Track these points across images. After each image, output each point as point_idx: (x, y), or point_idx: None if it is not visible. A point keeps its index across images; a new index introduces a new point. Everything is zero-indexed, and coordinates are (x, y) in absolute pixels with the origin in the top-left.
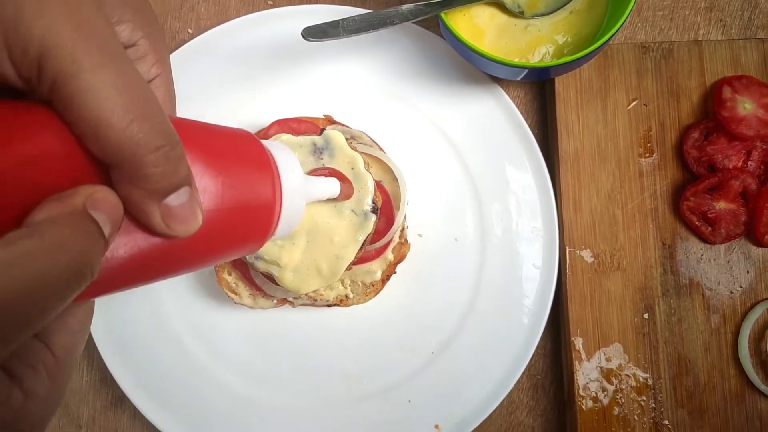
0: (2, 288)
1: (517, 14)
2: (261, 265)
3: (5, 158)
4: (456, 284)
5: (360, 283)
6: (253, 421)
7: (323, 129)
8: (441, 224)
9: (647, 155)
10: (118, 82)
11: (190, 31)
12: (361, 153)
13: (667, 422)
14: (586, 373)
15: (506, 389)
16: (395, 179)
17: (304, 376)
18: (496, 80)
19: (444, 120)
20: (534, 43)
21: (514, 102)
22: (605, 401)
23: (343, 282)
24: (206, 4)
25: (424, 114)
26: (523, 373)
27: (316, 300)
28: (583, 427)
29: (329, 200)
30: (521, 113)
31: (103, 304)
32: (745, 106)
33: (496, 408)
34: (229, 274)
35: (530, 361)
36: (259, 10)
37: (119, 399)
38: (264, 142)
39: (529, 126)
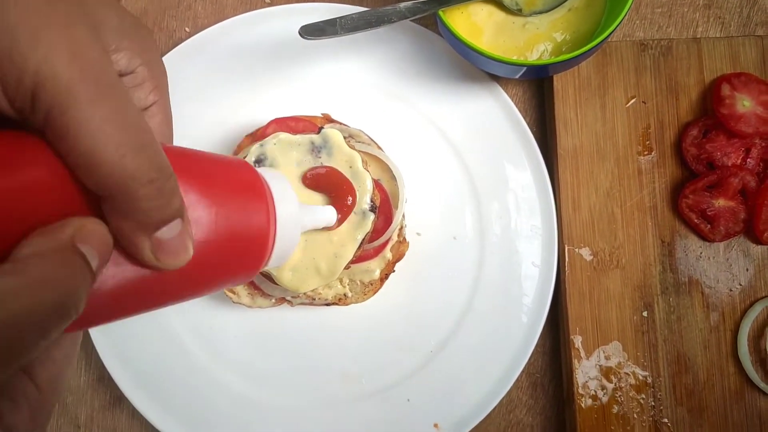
0: None
1: (516, 12)
2: None
3: None
4: (455, 283)
5: (358, 282)
6: (252, 420)
7: (321, 127)
8: (440, 223)
9: (646, 153)
10: (113, 115)
11: (187, 29)
12: (359, 151)
13: (666, 420)
14: (586, 372)
15: (505, 388)
16: (394, 178)
17: (303, 376)
18: (495, 78)
19: (442, 118)
20: (532, 40)
21: (512, 100)
22: (604, 399)
23: (341, 281)
24: (203, 2)
25: (422, 112)
26: (523, 371)
27: (314, 299)
28: (582, 426)
29: (325, 228)
30: (520, 111)
31: None
32: (744, 104)
33: (496, 406)
34: None
35: (529, 359)
36: (256, 9)
37: (117, 398)
38: (260, 170)
39: (528, 124)
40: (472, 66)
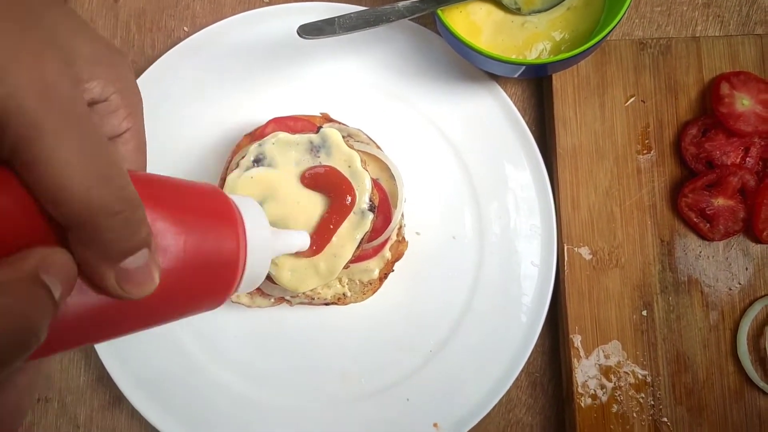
0: None
1: (514, 11)
2: None
3: None
4: (454, 282)
5: (357, 281)
6: (252, 420)
7: (320, 127)
8: (439, 222)
9: (645, 152)
10: (80, 147)
11: (185, 29)
12: (358, 151)
13: (665, 419)
14: (585, 371)
15: (505, 387)
16: (392, 177)
17: (303, 376)
18: (494, 77)
19: (441, 117)
20: (531, 39)
21: (511, 99)
22: (604, 398)
23: (340, 280)
24: (202, 2)
25: (421, 111)
26: (522, 370)
27: (313, 299)
28: (581, 425)
29: (298, 253)
30: (519, 110)
31: None
32: (743, 102)
33: (495, 406)
34: None
35: (529, 358)
36: (254, 8)
37: (117, 398)
38: (233, 197)
39: (527, 123)
40: (470, 65)
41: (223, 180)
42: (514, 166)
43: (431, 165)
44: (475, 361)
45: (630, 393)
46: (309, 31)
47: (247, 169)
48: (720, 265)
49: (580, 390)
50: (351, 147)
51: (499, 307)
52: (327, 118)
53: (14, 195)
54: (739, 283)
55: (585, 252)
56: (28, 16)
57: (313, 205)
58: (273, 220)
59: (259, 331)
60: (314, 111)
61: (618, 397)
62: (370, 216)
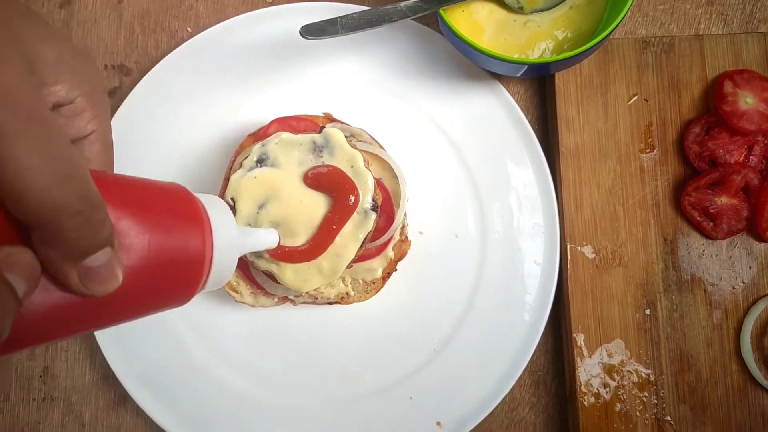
0: None
1: (517, 10)
2: (262, 264)
3: None
4: (457, 281)
5: (361, 280)
6: (254, 419)
7: (323, 127)
8: (441, 221)
9: (648, 150)
10: (41, 149)
11: (189, 29)
12: (360, 151)
13: (669, 418)
14: (588, 370)
15: (508, 386)
16: (395, 177)
17: (306, 375)
18: (496, 77)
19: (444, 117)
20: (534, 38)
21: (514, 98)
22: (607, 397)
23: (343, 280)
24: (205, 2)
25: (423, 111)
26: (525, 369)
27: (317, 298)
28: (584, 424)
29: (267, 251)
30: (521, 109)
31: None
32: (747, 101)
33: (498, 405)
34: None
35: (532, 357)
36: (257, 9)
37: (122, 397)
38: (199, 196)
39: (530, 122)
40: (473, 64)
41: (227, 180)
42: (517, 165)
43: (434, 164)
44: (478, 360)
45: (633, 392)
46: (311, 31)
47: (251, 169)
48: (723, 264)
49: (583, 389)
50: (354, 147)
51: (502, 305)
52: (330, 118)
53: None
54: (743, 282)
55: (588, 251)
56: None
57: (317, 204)
58: (276, 220)
59: (262, 330)
60: (317, 111)
61: (621, 396)
62: (373, 215)
